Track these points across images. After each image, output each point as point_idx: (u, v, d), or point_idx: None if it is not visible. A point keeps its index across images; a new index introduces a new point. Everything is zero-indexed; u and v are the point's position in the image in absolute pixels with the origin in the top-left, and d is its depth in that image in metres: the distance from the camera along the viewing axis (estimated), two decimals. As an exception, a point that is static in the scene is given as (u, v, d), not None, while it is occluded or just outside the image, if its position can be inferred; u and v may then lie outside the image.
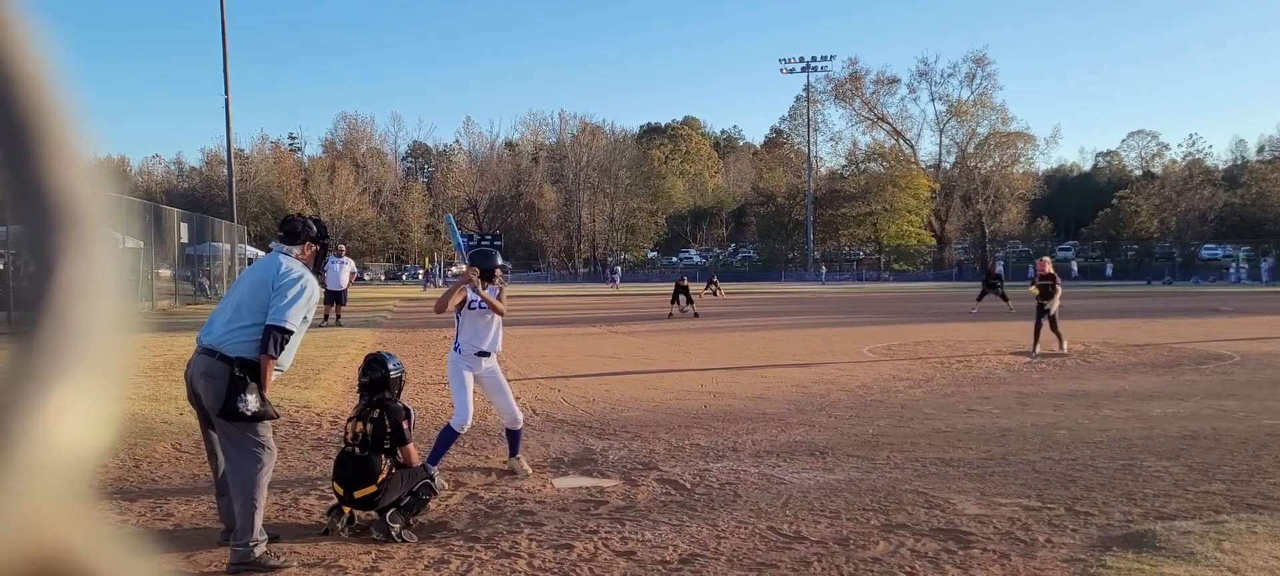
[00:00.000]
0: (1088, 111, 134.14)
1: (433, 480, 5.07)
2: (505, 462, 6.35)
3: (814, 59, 78.64)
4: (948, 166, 79.88)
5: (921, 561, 4.33)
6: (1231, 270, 63.64)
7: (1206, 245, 74.96)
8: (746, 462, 6.52)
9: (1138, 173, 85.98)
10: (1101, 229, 79.13)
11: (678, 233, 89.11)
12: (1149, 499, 5.39)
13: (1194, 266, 68.26)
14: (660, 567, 4.31)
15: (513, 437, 6.31)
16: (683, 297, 25.33)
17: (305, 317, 4.57)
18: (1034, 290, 14.66)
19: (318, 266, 4.84)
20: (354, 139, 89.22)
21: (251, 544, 4.27)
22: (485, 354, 6.14)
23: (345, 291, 20.61)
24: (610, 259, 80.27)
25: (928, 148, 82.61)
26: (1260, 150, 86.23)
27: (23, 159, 0.40)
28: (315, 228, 4.81)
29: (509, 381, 6.68)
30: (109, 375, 0.40)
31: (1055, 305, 14.26)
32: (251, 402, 4.33)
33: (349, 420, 5.09)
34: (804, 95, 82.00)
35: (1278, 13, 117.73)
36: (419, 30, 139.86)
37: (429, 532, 4.86)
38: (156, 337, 15.25)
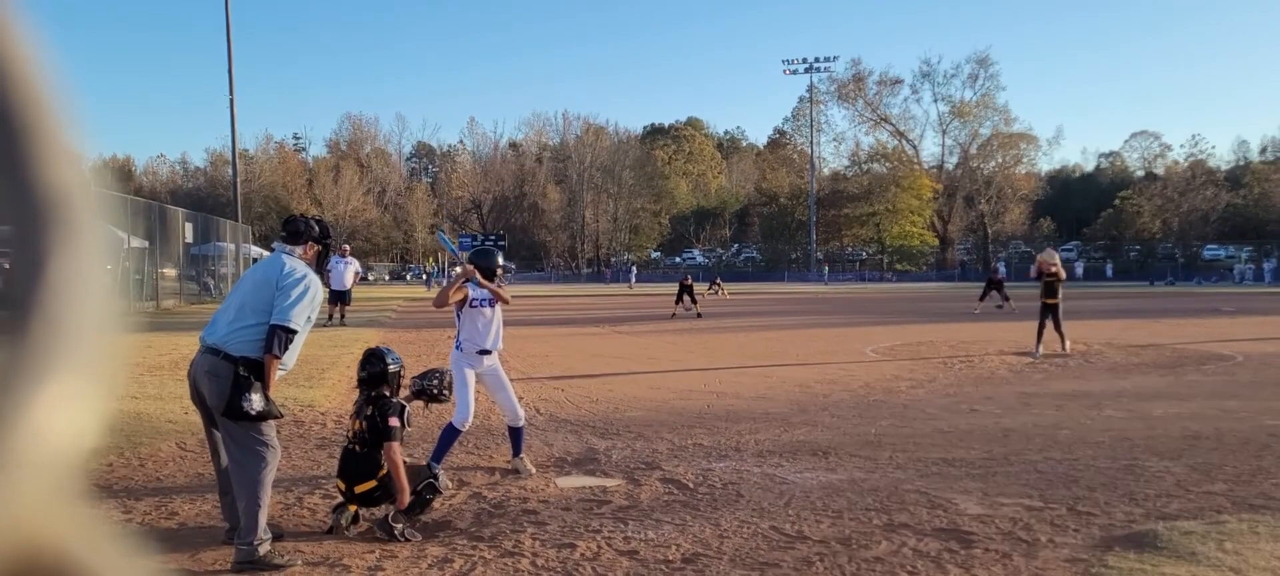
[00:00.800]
0: (1090, 112, 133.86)
1: (437, 479, 5.08)
2: (509, 462, 6.37)
3: (817, 60, 78.60)
4: (950, 167, 79.71)
5: (924, 561, 4.34)
6: (1235, 270, 63.48)
7: (1209, 246, 74.76)
8: (749, 462, 6.54)
9: (1140, 173, 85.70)
10: (1104, 229, 78.90)
11: (681, 233, 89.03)
12: (1151, 499, 5.39)
13: (1197, 267, 68.10)
14: (663, 567, 4.32)
15: (516, 437, 6.34)
16: (687, 297, 25.36)
17: (309, 317, 4.60)
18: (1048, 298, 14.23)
19: (319, 266, 4.86)
20: (358, 139, 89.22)
21: (256, 543, 4.29)
22: (486, 352, 6.18)
23: (349, 291, 20.66)
24: (614, 260, 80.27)
25: (930, 148, 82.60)
26: (1263, 151, 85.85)
27: (11, 156, 0.40)
28: (317, 228, 4.84)
29: (512, 381, 6.71)
30: (98, 373, 0.40)
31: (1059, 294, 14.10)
32: (256, 402, 4.35)
33: (351, 416, 5.12)
34: (807, 96, 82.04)
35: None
36: (423, 31, 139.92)
37: (433, 531, 4.87)
38: (161, 337, 15.29)
